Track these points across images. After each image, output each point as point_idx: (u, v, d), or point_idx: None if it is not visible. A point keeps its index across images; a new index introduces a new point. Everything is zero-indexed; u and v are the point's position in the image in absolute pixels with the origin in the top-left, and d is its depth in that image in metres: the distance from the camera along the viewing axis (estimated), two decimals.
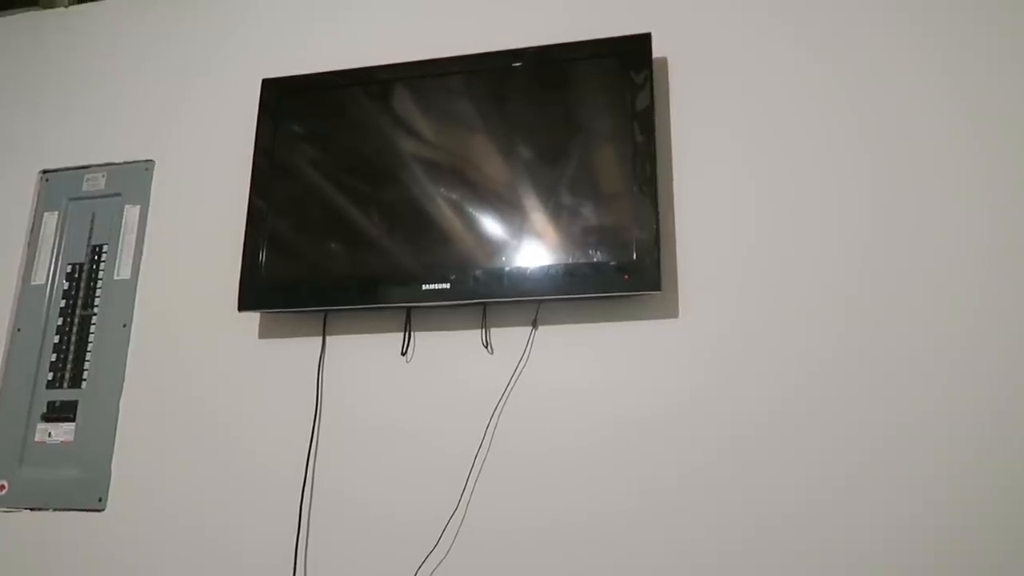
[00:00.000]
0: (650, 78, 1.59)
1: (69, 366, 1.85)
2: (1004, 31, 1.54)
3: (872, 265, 1.49)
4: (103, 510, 1.74)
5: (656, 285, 1.48)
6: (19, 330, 1.91)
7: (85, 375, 1.84)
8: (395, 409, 1.64)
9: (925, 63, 1.56)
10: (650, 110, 1.57)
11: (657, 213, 1.52)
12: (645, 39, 1.61)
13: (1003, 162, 1.48)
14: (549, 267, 1.54)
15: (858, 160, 1.54)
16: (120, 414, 1.80)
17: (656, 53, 1.66)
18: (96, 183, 1.99)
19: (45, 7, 2.24)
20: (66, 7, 2.23)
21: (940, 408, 1.40)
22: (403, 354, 1.67)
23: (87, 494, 1.75)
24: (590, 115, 1.61)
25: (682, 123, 1.65)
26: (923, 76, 1.56)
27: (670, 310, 1.56)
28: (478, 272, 1.57)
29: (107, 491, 1.75)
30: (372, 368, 1.68)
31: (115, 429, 1.79)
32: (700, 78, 1.67)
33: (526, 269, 1.55)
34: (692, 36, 1.70)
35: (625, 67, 1.61)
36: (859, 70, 1.59)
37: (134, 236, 1.92)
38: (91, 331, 1.87)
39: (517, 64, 1.68)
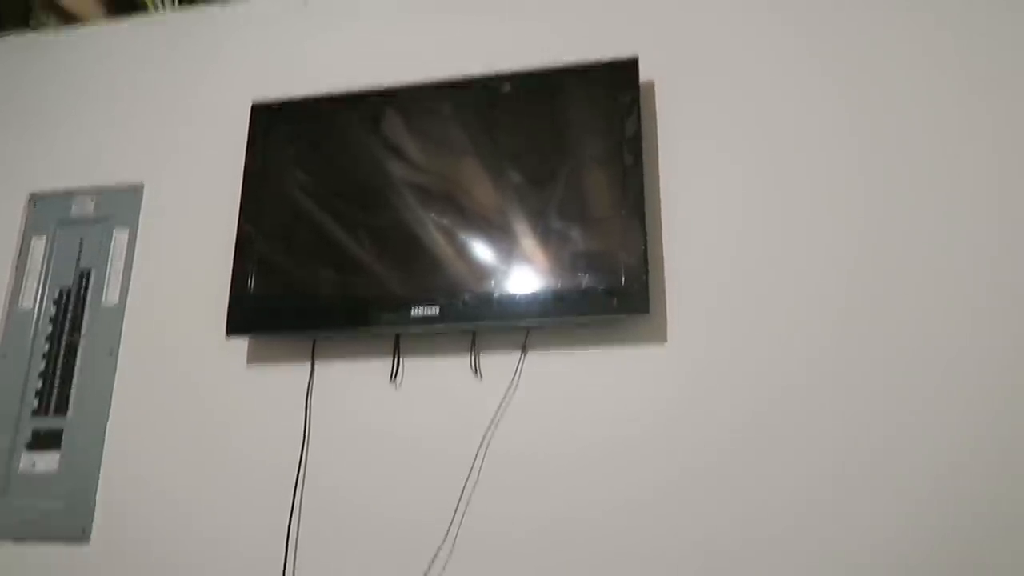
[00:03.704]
0: (637, 101, 1.59)
1: (55, 393, 1.83)
2: (992, 46, 1.54)
3: (863, 291, 1.48)
4: (87, 542, 1.71)
5: (644, 308, 1.47)
6: (4, 356, 1.89)
7: (71, 402, 1.82)
8: (384, 436, 1.63)
9: (914, 84, 1.57)
10: (637, 133, 1.57)
11: (645, 237, 1.51)
12: (632, 63, 1.62)
13: (996, 199, 1.48)
14: (538, 291, 1.53)
15: (847, 184, 1.54)
16: (106, 442, 1.77)
17: (643, 77, 1.66)
18: (85, 207, 1.98)
19: (36, 30, 2.24)
20: (56, 31, 2.23)
21: (929, 435, 1.40)
22: (392, 380, 1.65)
23: (71, 525, 1.73)
24: (578, 138, 1.61)
25: (670, 146, 1.65)
26: (913, 98, 1.56)
27: (659, 334, 1.55)
28: (467, 297, 1.56)
29: (91, 522, 1.72)
30: (361, 394, 1.66)
31: (100, 458, 1.76)
32: (687, 101, 1.67)
33: (515, 294, 1.54)
34: (679, 60, 1.70)
35: (613, 91, 1.61)
36: (846, 93, 1.59)
37: (122, 261, 1.91)
38: (78, 357, 1.85)
39: (506, 88, 1.68)
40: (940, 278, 1.46)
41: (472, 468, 1.56)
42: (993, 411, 1.38)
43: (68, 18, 2.22)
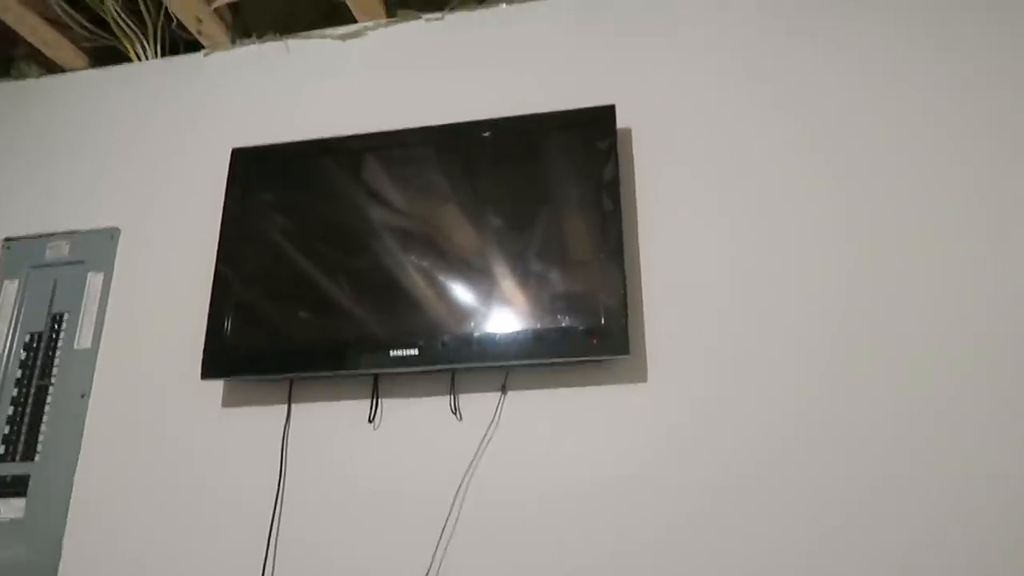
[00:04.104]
0: (615, 147, 1.63)
1: (23, 439, 1.79)
2: (970, 68, 1.61)
3: (844, 332, 1.51)
4: None
5: (624, 349, 1.48)
6: None
7: (39, 448, 1.78)
8: (362, 477, 1.61)
9: (892, 124, 1.62)
10: (615, 178, 1.60)
11: (624, 278, 1.53)
12: (609, 110, 1.66)
13: (984, 216, 1.52)
14: (518, 332, 1.54)
15: (823, 225, 1.58)
16: (74, 489, 1.73)
17: (620, 123, 1.71)
18: (59, 251, 1.96)
19: (17, 79, 2.25)
20: (36, 79, 2.24)
21: (916, 475, 1.40)
22: (370, 421, 1.64)
23: (36, 574, 1.67)
24: (557, 183, 1.64)
25: (647, 190, 1.68)
26: (890, 138, 1.61)
27: (639, 375, 1.56)
28: (446, 338, 1.57)
29: (57, 571, 1.67)
30: (338, 436, 1.65)
31: (68, 505, 1.72)
32: (663, 147, 1.71)
33: (495, 335, 1.55)
34: (655, 107, 1.75)
35: (591, 137, 1.65)
36: (823, 138, 1.64)
37: (96, 304, 1.89)
38: (47, 402, 1.81)
39: (486, 134, 1.72)
40: (925, 321, 1.48)
41: (451, 509, 1.54)
42: (984, 461, 1.39)
43: (51, 68, 2.23)
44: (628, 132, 1.74)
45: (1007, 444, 1.39)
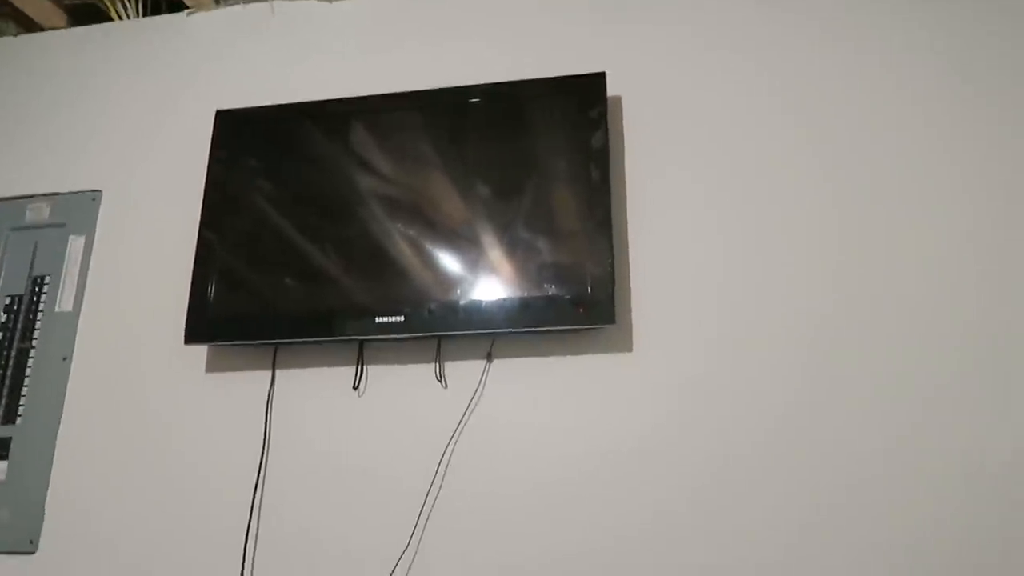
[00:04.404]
0: (604, 116, 1.62)
1: (3, 401, 1.77)
2: (967, 48, 1.61)
3: (829, 301, 1.52)
4: (34, 552, 1.65)
5: (610, 318, 1.49)
6: None
7: (21, 410, 1.76)
8: (346, 444, 1.61)
9: (888, 98, 1.61)
10: (604, 147, 1.59)
11: (612, 248, 1.53)
12: (600, 78, 1.64)
13: (971, 212, 1.52)
14: (504, 300, 1.54)
15: (816, 196, 1.58)
16: (56, 451, 1.72)
17: (611, 92, 1.69)
18: (40, 213, 1.94)
19: None
20: (14, 36, 2.19)
21: (910, 446, 1.42)
22: (355, 388, 1.64)
23: (18, 536, 1.67)
24: (546, 151, 1.62)
25: (636, 159, 1.67)
26: (884, 115, 1.61)
27: (624, 344, 1.56)
28: (432, 305, 1.56)
29: (39, 533, 1.67)
30: (323, 402, 1.64)
31: (50, 467, 1.71)
32: (654, 116, 1.70)
33: (481, 302, 1.54)
34: (646, 75, 1.73)
35: (580, 105, 1.64)
36: (814, 107, 1.64)
37: (78, 267, 1.87)
38: (29, 365, 1.80)
39: (474, 100, 1.70)
40: (917, 290, 1.49)
41: (435, 476, 1.55)
42: (978, 427, 1.41)
43: (30, 27, 2.18)
44: (618, 100, 1.72)
45: (1000, 411, 1.41)
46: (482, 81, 1.73)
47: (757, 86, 1.68)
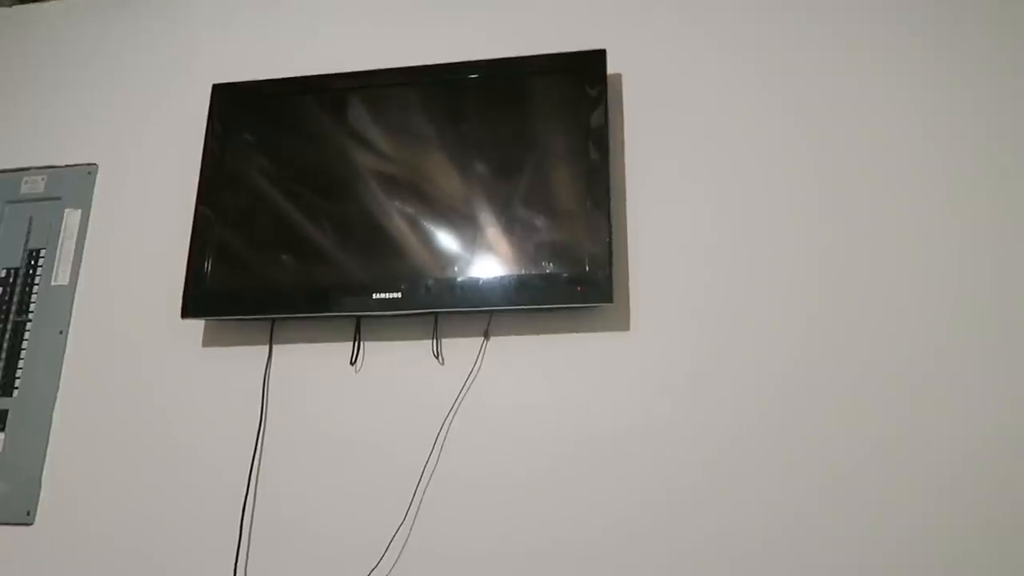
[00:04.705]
0: (604, 94, 1.61)
1: (1, 374, 1.78)
2: (960, 47, 1.60)
3: (827, 281, 1.52)
4: (31, 524, 1.66)
5: (608, 297, 1.49)
6: None
7: (17, 383, 1.77)
8: (343, 420, 1.61)
9: (880, 80, 1.61)
10: (604, 125, 1.58)
11: (610, 226, 1.53)
12: (600, 55, 1.63)
13: (964, 176, 1.53)
14: (501, 278, 1.54)
15: (813, 175, 1.58)
16: (53, 424, 1.73)
17: (611, 69, 1.69)
18: (35, 186, 1.93)
19: None
20: (9, 7, 2.17)
21: (901, 421, 1.43)
22: (352, 364, 1.64)
23: (15, 507, 1.68)
24: (544, 128, 1.62)
25: (635, 138, 1.67)
26: (882, 93, 1.60)
27: (622, 323, 1.56)
28: (430, 282, 1.56)
29: (36, 505, 1.67)
30: (320, 378, 1.65)
31: (47, 440, 1.72)
32: (654, 94, 1.69)
33: (478, 279, 1.54)
34: (646, 53, 1.72)
35: (580, 82, 1.63)
36: (814, 88, 1.63)
37: (74, 241, 1.86)
38: (25, 338, 1.80)
39: (473, 76, 1.69)
40: (913, 255, 1.50)
41: (431, 453, 1.55)
42: (980, 395, 1.42)
43: None
44: (619, 78, 1.71)
45: (1002, 378, 1.42)
46: (481, 57, 1.72)
47: (758, 66, 1.67)
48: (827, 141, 1.59)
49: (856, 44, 1.64)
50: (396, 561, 1.51)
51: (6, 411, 1.75)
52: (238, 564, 1.56)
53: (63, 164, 1.94)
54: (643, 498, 1.46)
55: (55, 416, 1.73)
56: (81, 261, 1.85)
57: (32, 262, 1.86)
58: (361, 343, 1.65)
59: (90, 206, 1.89)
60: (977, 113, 1.56)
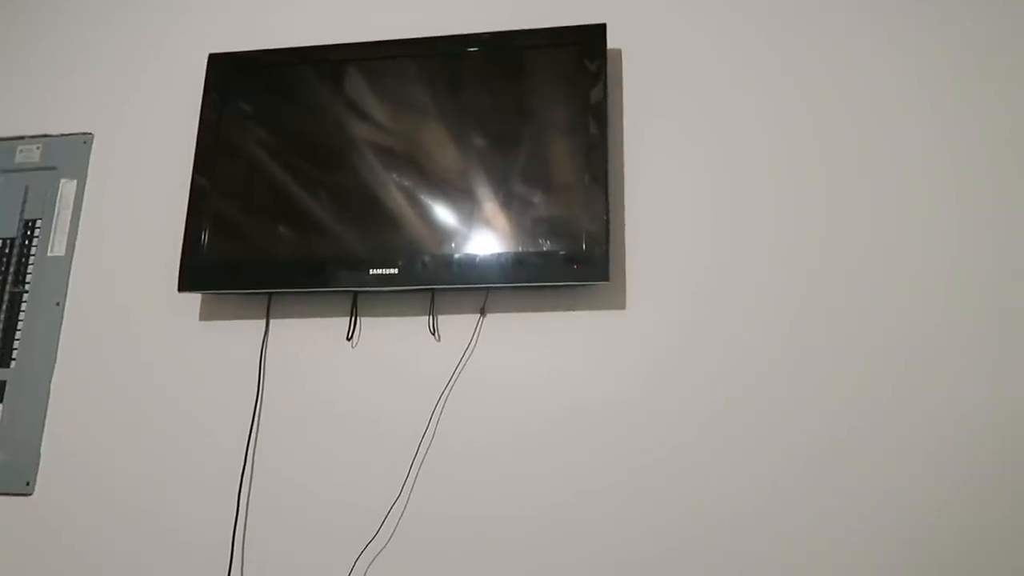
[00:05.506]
0: (604, 69, 1.59)
1: None
2: (967, 33, 1.58)
3: (825, 260, 1.52)
4: (31, 494, 1.68)
5: (605, 275, 1.49)
6: None
7: (14, 355, 1.77)
8: (339, 394, 1.62)
9: (885, 59, 1.59)
10: (603, 101, 1.57)
11: (607, 204, 1.52)
12: (600, 29, 1.61)
13: (967, 161, 1.52)
14: (498, 255, 1.53)
15: (813, 154, 1.57)
16: (51, 395, 1.73)
17: (611, 44, 1.66)
18: (30, 155, 1.91)
19: None
20: None
21: (895, 401, 1.44)
22: (348, 339, 1.65)
23: (14, 478, 1.69)
24: (543, 104, 1.60)
25: (635, 115, 1.65)
26: (883, 72, 1.59)
27: (618, 301, 1.56)
28: (427, 258, 1.56)
29: (35, 475, 1.69)
30: (316, 352, 1.65)
31: (45, 411, 1.73)
32: (654, 70, 1.67)
33: (475, 256, 1.54)
34: (647, 28, 1.70)
35: (579, 57, 1.61)
36: (815, 65, 1.61)
37: (70, 212, 1.85)
38: (22, 309, 1.80)
39: (472, 49, 1.67)
40: (906, 230, 1.50)
41: (427, 428, 1.56)
42: (970, 381, 1.43)
43: None
44: (618, 53, 1.69)
45: (995, 357, 1.43)
46: (480, 30, 1.70)
47: (758, 42, 1.65)
48: (828, 120, 1.58)
49: (860, 20, 1.62)
50: (393, 532, 1.53)
51: (4, 382, 1.76)
52: (236, 536, 1.58)
53: (58, 133, 1.92)
54: (636, 472, 1.48)
55: (53, 387, 1.74)
56: (77, 232, 1.84)
57: (28, 232, 1.85)
58: (358, 318, 1.65)
59: (86, 176, 1.88)
60: (989, 90, 1.55)
